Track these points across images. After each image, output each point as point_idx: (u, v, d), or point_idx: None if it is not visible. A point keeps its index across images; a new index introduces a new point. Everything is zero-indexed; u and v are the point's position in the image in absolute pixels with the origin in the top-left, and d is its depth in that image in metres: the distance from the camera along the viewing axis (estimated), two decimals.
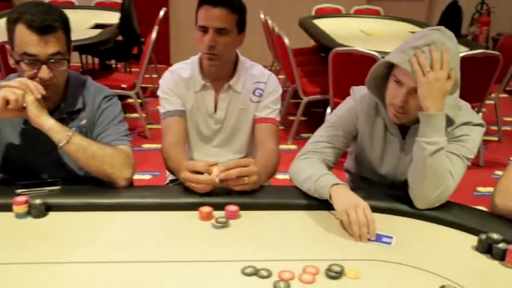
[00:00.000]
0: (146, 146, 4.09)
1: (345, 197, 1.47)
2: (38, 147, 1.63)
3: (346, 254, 1.33)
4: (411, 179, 1.52)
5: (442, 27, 1.50)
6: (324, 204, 1.53)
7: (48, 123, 1.53)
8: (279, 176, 3.47)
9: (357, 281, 1.23)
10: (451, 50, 1.46)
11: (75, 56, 5.39)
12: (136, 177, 3.51)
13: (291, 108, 4.68)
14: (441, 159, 1.47)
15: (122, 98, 4.59)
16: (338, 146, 1.71)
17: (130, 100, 4.41)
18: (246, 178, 1.53)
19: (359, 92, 1.72)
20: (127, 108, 4.83)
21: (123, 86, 4.04)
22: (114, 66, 5.45)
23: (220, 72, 1.90)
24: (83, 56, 5.44)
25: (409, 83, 1.47)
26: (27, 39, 1.49)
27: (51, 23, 1.51)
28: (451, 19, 4.59)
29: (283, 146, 4.12)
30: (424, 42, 1.45)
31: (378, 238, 1.39)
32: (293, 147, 4.16)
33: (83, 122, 1.67)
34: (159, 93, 1.95)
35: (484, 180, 3.63)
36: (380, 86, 1.60)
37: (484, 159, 3.97)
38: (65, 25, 1.57)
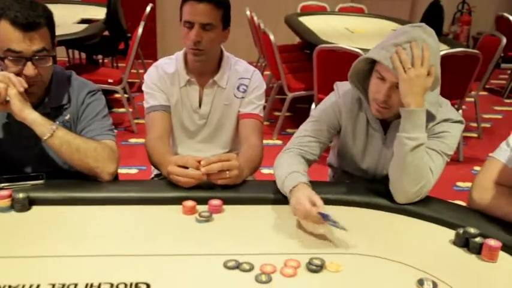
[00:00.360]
0: (133, 140, 4.06)
1: (293, 198, 1.45)
2: (21, 142, 1.60)
3: (327, 247, 1.33)
4: (392, 174, 1.52)
5: (423, 24, 1.50)
6: None
7: (31, 116, 1.50)
8: (264, 171, 3.49)
9: (337, 274, 1.23)
10: (431, 47, 1.46)
11: (62, 51, 5.32)
12: (122, 171, 3.54)
13: (277, 104, 4.68)
14: (421, 155, 1.48)
15: (109, 92, 4.58)
16: (322, 140, 1.70)
17: (117, 95, 4.37)
18: (227, 172, 1.52)
19: (342, 88, 1.72)
20: (114, 102, 4.79)
21: (110, 80, 4.00)
22: (101, 61, 5.39)
23: (205, 67, 1.89)
24: (70, 51, 5.38)
25: (391, 79, 1.47)
26: (11, 36, 1.46)
27: (35, 20, 1.47)
28: (432, 18, 4.61)
29: (268, 141, 4.12)
30: (405, 39, 1.45)
31: (325, 217, 1.34)
32: (278, 142, 4.16)
33: (67, 117, 1.64)
34: (143, 88, 1.93)
35: (464, 175, 3.67)
36: (363, 81, 1.61)
37: (464, 155, 4.00)
38: (49, 21, 1.54)
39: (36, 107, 1.58)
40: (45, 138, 1.51)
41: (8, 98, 1.48)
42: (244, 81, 1.94)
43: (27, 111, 1.50)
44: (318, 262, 1.24)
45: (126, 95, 4.22)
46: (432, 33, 1.49)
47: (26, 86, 1.49)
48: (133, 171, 3.47)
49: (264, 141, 4.07)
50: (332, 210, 1.36)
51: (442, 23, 4.78)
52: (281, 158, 1.67)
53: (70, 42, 4.26)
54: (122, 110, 4.53)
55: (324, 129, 1.70)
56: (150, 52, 6.05)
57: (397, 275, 1.24)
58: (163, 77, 1.91)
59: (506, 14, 5.63)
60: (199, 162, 1.51)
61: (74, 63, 5.46)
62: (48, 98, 1.63)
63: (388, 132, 1.65)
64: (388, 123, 1.64)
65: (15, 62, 1.49)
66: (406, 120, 1.47)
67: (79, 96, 1.66)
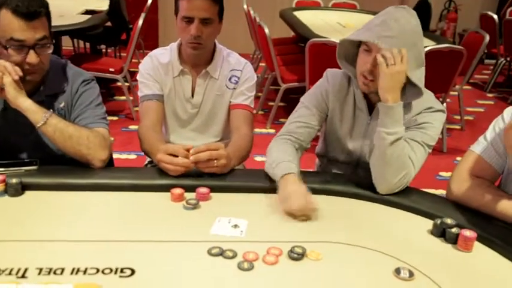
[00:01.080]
0: (133, 127, 4.01)
1: (281, 189, 1.42)
2: (17, 128, 1.56)
3: (309, 236, 1.29)
4: (373, 166, 1.48)
5: (406, 6, 1.48)
6: None
7: (25, 104, 1.45)
8: (257, 158, 3.45)
9: (317, 263, 1.19)
10: (415, 26, 1.45)
11: (67, 40, 5.25)
12: (122, 156, 3.50)
13: (271, 94, 4.63)
14: (401, 147, 1.44)
15: (111, 81, 4.52)
16: (312, 125, 1.66)
17: (119, 83, 4.31)
18: (215, 161, 1.48)
19: (331, 73, 1.69)
20: (115, 91, 4.73)
21: (111, 69, 3.94)
22: (104, 51, 5.32)
23: (199, 59, 1.84)
24: (75, 41, 5.31)
25: (377, 49, 1.44)
26: (14, 25, 1.41)
27: (36, 9, 1.43)
28: (420, 15, 4.53)
29: (262, 130, 4.08)
30: (389, 18, 1.43)
31: None
32: (271, 131, 4.12)
33: (62, 104, 1.60)
34: (138, 77, 1.89)
35: (447, 165, 3.63)
36: (351, 64, 1.59)
37: (447, 146, 3.97)
38: (47, 10, 1.50)
39: (31, 94, 1.54)
40: (38, 125, 1.46)
41: (3, 86, 1.43)
42: (236, 72, 1.89)
43: (21, 99, 1.45)
44: (299, 250, 1.20)
45: (126, 84, 4.17)
46: (414, 14, 1.47)
47: (21, 74, 1.44)
48: (132, 156, 3.42)
49: (258, 130, 4.02)
50: (316, 199, 1.32)
51: (430, 19, 4.72)
52: (273, 144, 1.63)
53: (74, 32, 4.19)
54: (122, 98, 4.47)
55: (313, 113, 1.66)
56: (151, 43, 5.95)
57: (375, 264, 1.20)
58: (157, 67, 1.86)
59: (490, 13, 5.57)
60: (188, 150, 1.47)
61: (79, 52, 5.39)
62: (44, 86, 1.58)
63: (373, 114, 1.61)
64: (373, 106, 1.60)
65: (18, 51, 1.44)
66: (385, 116, 1.44)
67: (73, 84, 1.61)
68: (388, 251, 1.24)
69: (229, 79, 1.88)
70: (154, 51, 1.91)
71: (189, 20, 1.71)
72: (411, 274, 1.15)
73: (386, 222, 1.40)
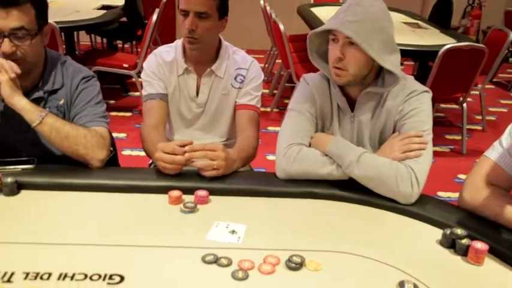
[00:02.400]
0: None
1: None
2: (15, 126, 1.52)
3: (309, 244, 1.23)
4: (378, 191, 1.42)
5: None
6: (294, 193, 1.44)
7: (20, 103, 1.42)
8: (270, 157, 3.39)
9: (316, 273, 1.13)
10: (381, 10, 1.43)
11: (84, 36, 5.27)
12: (134, 153, 3.48)
13: (286, 92, 4.56)
14: (367, 163, 1.39)
15: (126, 77, 4.50)
16: (310, 129, 1.57)
17: (134, 79, 4.30)
18: (214, 163, 1.43)
19: (309, 77, 1.63)
20: (130, 86, 4.72)
21: (125, 65, 3.93)
22: (120, 46, 5.32)
23: (202, 56, 1.79)
24: (93, 36, 5.32)
25: (342, 37, 1.40)
26: None
27: None
28: (442, 12, 4.41)
29: (276, 128, 4.02)
30: (353, 2, 1.40)
31: None
32: None
33: (61, 101, 1.56)
34: (142, 76, 1.85)
35: (466, 168, 3.51)
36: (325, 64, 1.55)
37: (467, 147, 3.84)
38: (36, 0, 1.44)
39: (30, 90, 1.52)
40: (34, 125, 1.43)
41: None
42: (241, 71, 1.83)
43: (16, 98, 1.42)
44: (297, 260, 1.14)
45: (140, 80, 4.14)
46: None
47: (18, 72, 1.41)
48: (144, 153, 3.38)
49: (272, 128, 3.96)
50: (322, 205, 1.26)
51: (451, 16, 4.58)
52: (302, 154, 1.47)
53: (89, 27, 4.19)
54: (137, 93, 4.46)
55: (308, 118, 1.57)
56: (168, 38, 5.92)
57: (377, 276, 1.14)
58: (161, 65, 1.82)
59: None
60: (184, 146, 1.42)
61: (95, 47, 5.40)
62: (43, 82, 1.55)
63: (355, 110, 1.54)
64: (354, 101, 1.54)
65: None
66: (337, 159, 1.44)
67: (73, 81, 1.57)
68: (393, 262, 1.17)
69: (235, 78, 1.83)
70: (159, 48, 1.87)
71: (185, 14, 1.66)
72: None
73: (392, 230, 1.33)
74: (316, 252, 1.19)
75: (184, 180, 1.45)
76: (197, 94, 1.84)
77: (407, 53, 3.70)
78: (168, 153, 1.43)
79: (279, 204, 1.42)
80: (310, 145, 1.53)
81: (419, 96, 1.49)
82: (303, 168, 1.46)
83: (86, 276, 1.07)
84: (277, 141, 1.55)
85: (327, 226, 1.32)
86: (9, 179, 1.37)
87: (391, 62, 1.42)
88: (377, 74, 1.50)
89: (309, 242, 1.24)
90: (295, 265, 1.13)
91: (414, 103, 1.47)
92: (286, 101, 4.41)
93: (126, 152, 3.52)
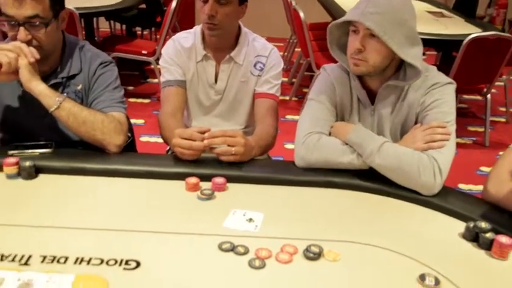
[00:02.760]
0: None
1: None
2: (34, 111, 1.53)
3: (327, 234, 1.21)
4: (399, 182, 1.39)
5: None
6: (312, 182, 1.41)
7: (38, 88, 1.42)
8: (288, 146, 3.36)
9: (334, 264, 1.11)
10: (404, 1, 1.39)
11: (104, 22, 5.28)
12: (152, 140, 3.49)
13: (305, 81, 4.51)
14: (388, 152, 1.36)
15: (145, 63, 4.50)
16: (330, 120, 1.54)
17: (152, 66, 4.31)
18: (233, 149, 1.41)
19: (329, 67, 1.60)
20: (149, 73, 4.73)
21: (144, 52, 3.92)
22: (140, 33, 5.32)
23: (221, 43, 1.76)
24: (112, 23, 5.33)
25: (363, 28, 1.36)
26: (5, 0, 1.38)
27: None
28: (467, 0, 4.30)
29: (294, 117, 3.98)
30: None
31: None
32: None
33: (79, 87, 1.56)
34: (160, 62, 1.84)
35: (488, 160, 3.44)
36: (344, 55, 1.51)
37: (490, 139, 3.76)
38: None
39: (49, 75, 1.51)
40: (51, 110, 1.43)
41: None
42: (261, 59, 1.81)
43: (34, 83, 1.42)
44: (315, 249, 1.12)
45: (159, 66, 4.14)
46: None
47: (37, 56, 1.41)
48: (162, 140, 3.39)
49: (290, 117, 3.93)
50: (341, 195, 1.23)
51: (476, 5, 4.46)
52: (321, 142, 1.45)
53: (107, 14, 4.19)
54: (155, 80, 4.46)
55: (328, 108, 1.54)
56: (188, 25, 5.87)
57: (398, 268, 1.11)
58: (180, 51, 1.80)
59: None
60: (203, 133, 1.41)
61: (115, 34, 5.41)
62: (61, 68, 1.54)
63: (375, 103, 1.51)
64: (374, 94, 1.50)
65: (11, 26, 1.41)
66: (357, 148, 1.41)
67: (91, 66, 1.57)
68: (414, 255, 1.15)
69: (254, 65, 1.80)
70: (178, 34, 1.85)
71: (205, 0, 1.63)
72: (437, 282, 1.05)
73: (414, 222, 1.30)
74: (334, 243, 1.17)
75: (202, 167, 1.44)
76: (216, 81, 1.82)
77: (430, 43, 3.62)
78: (186, 139, 1.42)
79: (297, 193, 1.40)
80: (330, 135, 1.50)
81: (442, 87, 1.44)
82: (323, 157, 1.44)
83: (102, 261, 1.07)
84: (296, 130, 1.53)
85: (346, 216, 1.30)
86: (27, 163, 1.37)
87: (413, 55, 1.38)
88: (398, 67, 1.46)
89: (327, 232, 1.22)
90: (313, 255, 1.11)
91: (436, 94, 1.43)
92: (305, 90, 4.37)
93: (144, 139, 3.53)
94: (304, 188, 1.42)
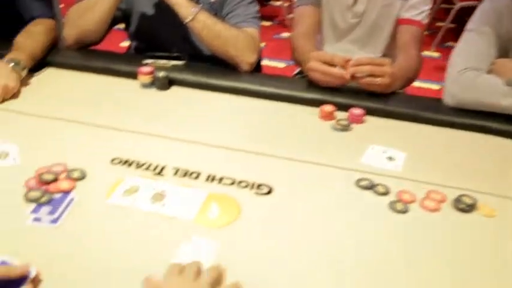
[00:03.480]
0: (285, 34, 3.87)
1: None
2: (168, 20, 1.49)
3: (483, 185, 1.05)
4: None
5: None
6: (463, 124, 1.26)
7: None
8: (416, 84, 3.11)
9: (489, 220, 0.97)
10: None
11: None
12: (271, 64, 3.41)
13: (440, 13, 4.10)
14: None
15: None
16: (491, 55, 1.33)
17: None
18: (378, 79, 1.27)
19: None
20: None
21: None
22: None
23: None
24: None
25: None
26: None
27: None
28: None
29: (425, 52, 3.66)
30: None
31: None
32: (435, 54, 3.69)
33: None
34: None
35: None
36: None
37: None
38: None
39: None
40: (187, 20, 1.38)
41: None
42: None
43: None
44: (468, 201, 0.98)
45: None
46: None
47: None
48: (282, 65, 3.31)
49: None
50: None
51: None
52: (480, 79, 1.27)
53: None
54: (278, 3, 4.31)
55: (491, 41, 1.33)
56: None
57: None
58: None
59: None
60: (347, 61, 1.28)
61: None
62: None
63: None
64: None
65: None
66: None
67: None
68: None
69: None
70: None
71: None
72: None
73: None
74: (489, 196, 1.02)
75: (338, 95, 1.32)
76: (355, 2, 1.65)
77: None
78: (325, 64, 1.30)
79: (445, 134, 1.25)
80: (489, 73, 1.30)
81: None
82: (479, 97, 1.25)
83: (233, 181, 1.03)
84: (448, 65, 1.34)
85: (503, 168, 1.13)
86: (161, 74, 1.36)
87: None
88: None
89: (481, 183, 1.06)
90: (466, 206, 0.98)
91: None
92: (439, 24, 3.96)
93: (264, 62, 3.46)
94: (453, 130, 1.26)
